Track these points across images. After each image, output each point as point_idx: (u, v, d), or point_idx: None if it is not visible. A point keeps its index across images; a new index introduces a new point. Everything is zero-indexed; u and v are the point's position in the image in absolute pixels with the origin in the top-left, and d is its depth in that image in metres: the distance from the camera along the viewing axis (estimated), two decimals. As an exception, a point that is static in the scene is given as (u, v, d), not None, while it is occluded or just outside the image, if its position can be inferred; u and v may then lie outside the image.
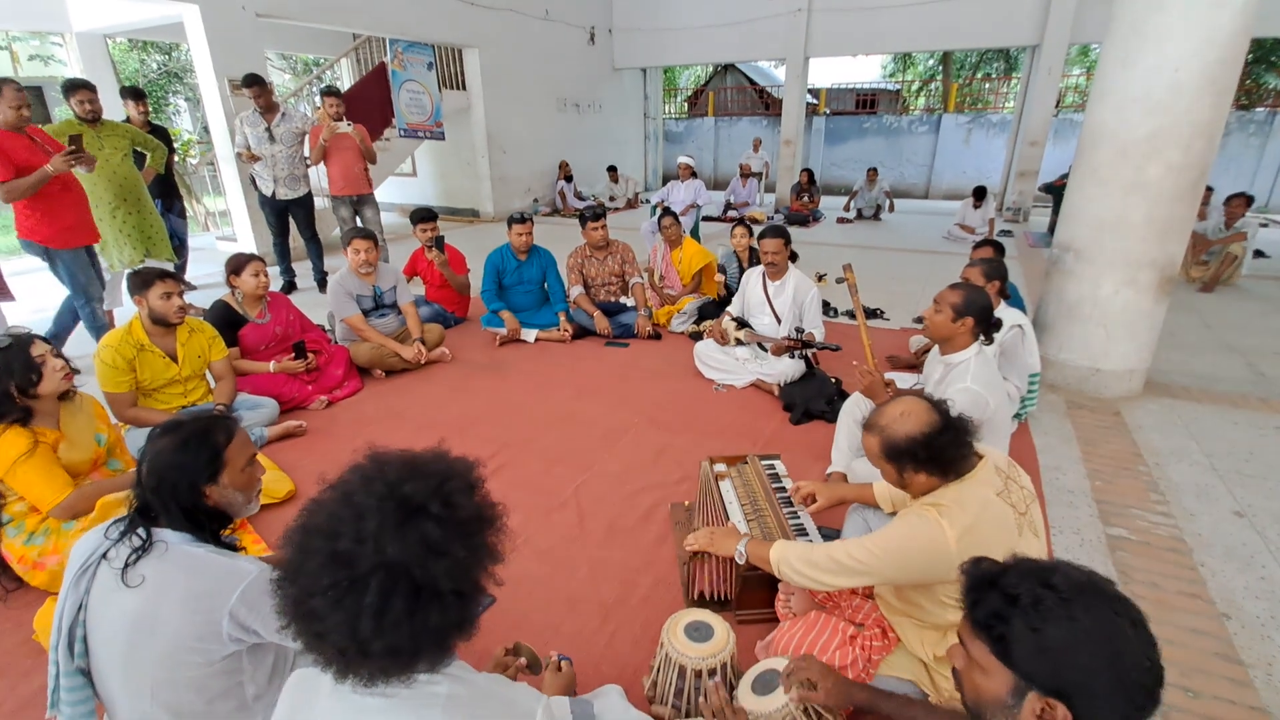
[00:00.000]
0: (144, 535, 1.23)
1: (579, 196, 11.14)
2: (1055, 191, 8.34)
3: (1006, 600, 0.87)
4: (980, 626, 0.89)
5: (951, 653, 0.95)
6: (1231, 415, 3.36)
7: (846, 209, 10.51)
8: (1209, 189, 6.64)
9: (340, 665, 0.80)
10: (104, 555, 1.25)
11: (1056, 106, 11.10)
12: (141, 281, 2.71)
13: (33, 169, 3.43)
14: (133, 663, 1.23)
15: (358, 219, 5.88)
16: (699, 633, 1.51)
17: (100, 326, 3.89)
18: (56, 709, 1.28)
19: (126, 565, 1.20)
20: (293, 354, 3.43)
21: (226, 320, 3.29)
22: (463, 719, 0.85)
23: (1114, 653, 0.81)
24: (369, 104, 7.79)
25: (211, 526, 1.34)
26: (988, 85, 17.42)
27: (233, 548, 1.35)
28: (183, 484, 1.28)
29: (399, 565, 0.77)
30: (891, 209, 10.70)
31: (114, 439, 2.24)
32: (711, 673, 1.44)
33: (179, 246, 5.22)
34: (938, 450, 1.41)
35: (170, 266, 4.56)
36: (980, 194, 8.61)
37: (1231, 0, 2.89)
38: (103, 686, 1.28)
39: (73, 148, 3.42)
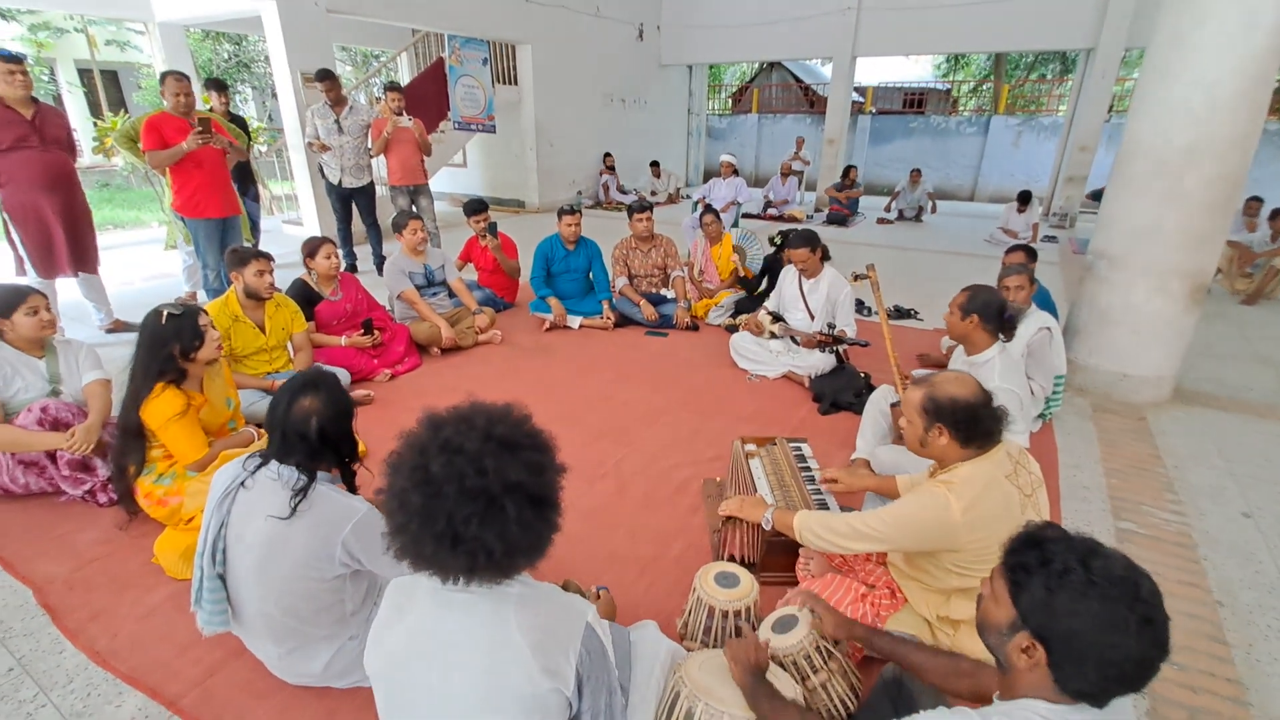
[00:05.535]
0: (308, 477, 1.50)
1: (621, 190, 11.38)
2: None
3: (1040, 560, 0.97)
4: (1008, 569, 1.02)
5: (984, 581, 1.10)
6: (1256, 424, 3.42)
7: (888, 209, 10.49)
8: (1259, 200, 6.52)
9: (469, 570, 1.02)
10: (242, 484, 1.53)
11: (1110, 111, 10.85)
12: (239, 259, 3.04)
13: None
14: (264, 573, 1.51)
15: (414, 208, 6.23)
16: (727, 580, 1.73)
17: (211, 290, 4.50)
18: (199, 605, 1.58)
19: (296, 508, 1.46)
20: (361, 330, 3.75)
21: (304, 297, 3.62)
22: (530, 613, 1.08)
23: (1109, 639, 0.90)
24: (427, 97, 8.14)
25: (351, 463, 1.64)
26: (1041, 87, 17.02)
27: (352, 487, 1.64)
28: (346, 429, 1.60)
29: (520, 485, 1.02)
30: (934, 210, 10.64)
31: (237, 404, 2.57)
32: (737, 614, 1.67)
33: (253, 227, 5.63)
34: (971, 420, 1.58)
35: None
36: (1025, 198, 8.51)
37: (1263, 22, 2.96)
38: (235, 590, 1.58)
39: (200, 128, 3.97)
